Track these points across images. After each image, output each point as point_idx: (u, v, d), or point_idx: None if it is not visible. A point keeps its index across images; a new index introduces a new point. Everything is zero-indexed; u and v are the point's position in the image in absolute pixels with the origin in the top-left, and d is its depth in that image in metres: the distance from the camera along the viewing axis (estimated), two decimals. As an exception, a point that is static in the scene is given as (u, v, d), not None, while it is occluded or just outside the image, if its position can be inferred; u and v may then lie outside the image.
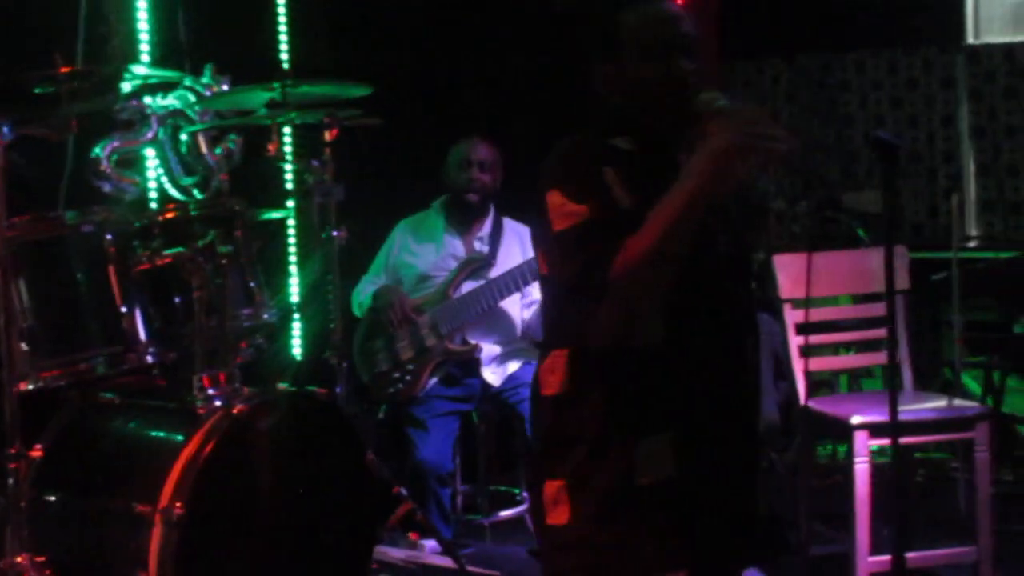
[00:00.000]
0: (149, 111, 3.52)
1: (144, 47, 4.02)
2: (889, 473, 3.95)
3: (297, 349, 4.56)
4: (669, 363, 2.07)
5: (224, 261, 3.02)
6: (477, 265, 4.27)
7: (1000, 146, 6.30)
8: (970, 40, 6.37)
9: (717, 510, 2.11)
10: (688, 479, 2.07)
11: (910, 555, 3.59)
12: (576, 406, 2.11)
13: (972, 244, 6.11)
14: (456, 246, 4.34)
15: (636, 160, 2.10)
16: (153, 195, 3.76)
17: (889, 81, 6.52)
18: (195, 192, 3.54)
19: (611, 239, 1.98)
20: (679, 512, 2.07)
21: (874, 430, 3.78)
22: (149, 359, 2.98)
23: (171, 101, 3.54)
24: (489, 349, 4.26)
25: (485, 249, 4.33)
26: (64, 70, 3.01)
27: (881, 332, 4.27)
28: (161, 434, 2.95)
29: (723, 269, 2.15)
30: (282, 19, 4.50)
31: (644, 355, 2.06)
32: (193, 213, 3.14)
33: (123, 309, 2.94)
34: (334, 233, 3.42)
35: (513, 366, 4.27)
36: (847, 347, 4.83)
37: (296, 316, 4.50)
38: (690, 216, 1.96)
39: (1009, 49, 6.23)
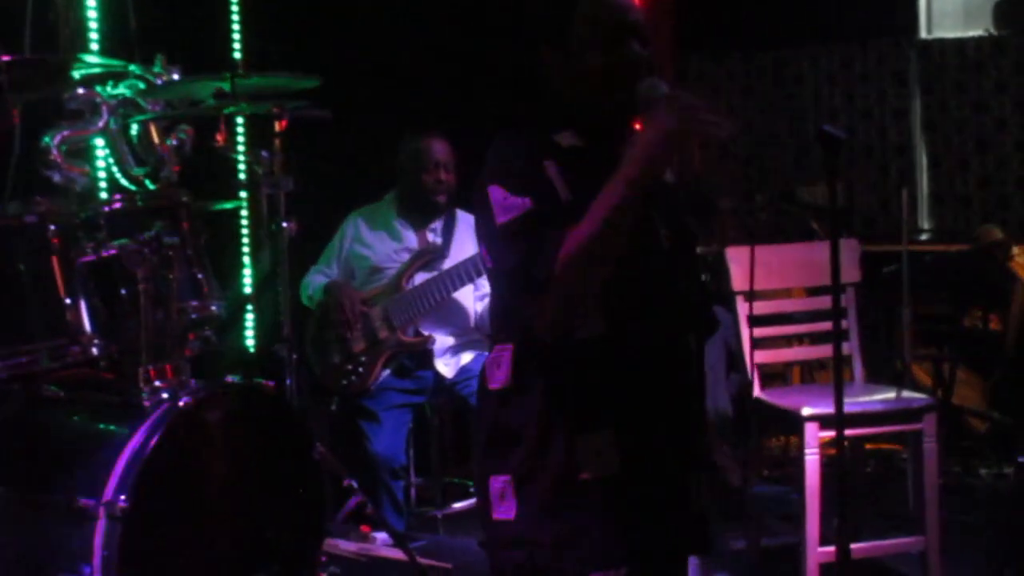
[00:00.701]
0: (99, 100, 3.48)
1: (93, 36, 3.98)
2: (841, 464, 4.00)
3: (250, 341, 4.54)
4: (610, 357, 2.07)
5: (170, 253, 3.00)
6: (430, 257, 4.26)
7: (951, 140, 6.36)
8: (923, 35, 6.43)
9: (660, 506, 2.11)
10: (631, 475, 2.07)
11: (858, 546, 3.62)
12: (520, 401, 2.10)
13: (924, 237, 6.17)
14: (410, 238, 4.33)
15: (578, 154, 2.09)
16: (103, 185, 3.72)
17: (842, 75, 6.57)
18: (146, 183, 3.51)
19: (552, 230, 1.97)
20: (622, 508, 2.07)
21: (824, 422, 3.81)
22: (94, 351, 2.95)
23: (121, 90, 3.50)
24: (442, 340, 4.26)
25: (438, 240, 4.33)
26: (5, 59, 2.96)
27: (830, 324, 4.30)
28: (105, 427, 2.92)
29: (666, 262, 2.15)
30: (234, 9, 4.46)
31: (585, 349, 2.05)
32: (139, 204, 3.11)
33: (67, 301, 2.90)
34: (284, 225, 3.40)
35: (466, 357, 4.27)
36: (799, 339, 4.86)
37: (249, 308, 4.47)
38: (629, 204, 1.95)
39: (960, 44, 6.30)
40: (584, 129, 2.13)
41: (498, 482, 2.12)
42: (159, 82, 3.48)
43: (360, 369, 4.16)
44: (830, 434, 3.91)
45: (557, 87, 2.14)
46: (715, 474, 4.61)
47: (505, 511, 2.11)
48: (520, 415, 2.11)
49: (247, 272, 4.50)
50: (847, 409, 3.71)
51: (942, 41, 6.38)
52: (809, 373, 5.41)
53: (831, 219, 2.70)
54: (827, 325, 4.35)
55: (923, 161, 6.46)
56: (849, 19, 6.27)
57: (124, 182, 3.52)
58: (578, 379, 2.07)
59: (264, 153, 3.34)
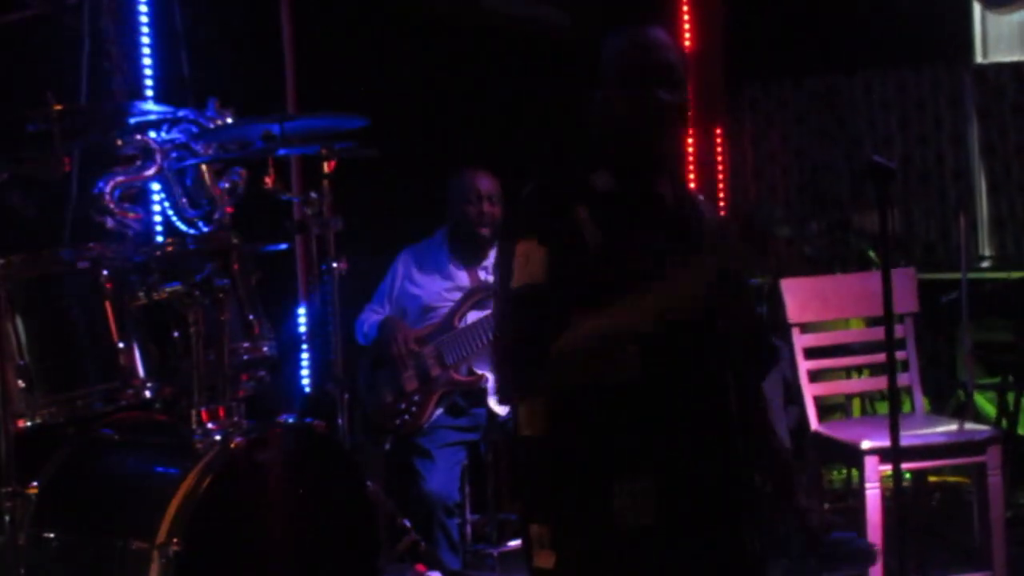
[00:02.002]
0: (153, 145, 3.52)
1: (148, 82, 4.04)
2: (902, 497, 3.92)
3: (306, 381, 4.56)
4: (647, 405, 2.04)
5: (221, 295, 3.02)
6: (482, 295, 4.25)
7: (1011, 164, 6.26)
8: (978, 59, 6.35)
9: (698, 556, 2.07)
10: (669, 525, 2.04)
11: (922, 581, 3.56)
12: (555, 449, 2.09)
13: (984, 264, 6.06)
14: (461, 276, 4.34)
15: (611, 198, 2.08)
16: (159, 229, 3.77)
17: (897, 101, 6.50)
18: (200, 225, 3.55)
19: (557, 313, 1.97)
20: (660, 559, 2.04)
21: (885, 455, 3.75)
22: (147, 394, 2.98)
23: (175, 135, 3.55)
24: (495, 378, 4.25)
25: (490, 279, 4.32)
26: (57, 108, 3.02)
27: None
28: (158, 469, 2.94)
29: (704, 304, 2.12)
30: (285, 51, 4.51)
31: (622, 397, 2.04)
32: (190, 247, 3.14)
33: (120, 345, 2.94)
34: (334, 264, 3.41)
35: (519, 395, 4.25)
36: (859, 370, 4.79)
37: (304, 347, 4.49)
38: (623, 343, 1.98)
39: (1017, 67, 6.21)
40: (619, 168, 2.12)
41: (537, 531, 2.10)
42: (212, 126, 3.52)
43: (413, 408, 4.16)
44: (890, 467, 3.85)
45: (595, 126, 2.14)
46: (802, 518, 4.52)
47: (544, 559, 2.09)
48: (556, 464, 2.09)
49: (301, 312, 4.52)
50: (908, 442, 3.68)
51: (998, 65, 6.29)
52: (870, 404, 5.33)
53: (883, 248, 2.65)
54: (882, 356, 4.28)
55: (982, 187, 6.35)
56: (902, 44, 6.21)
57: (179, 225, 3.56)
58: (615, 428, 2.05)
59: (313, 194, 3.36)
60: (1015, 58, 6.27)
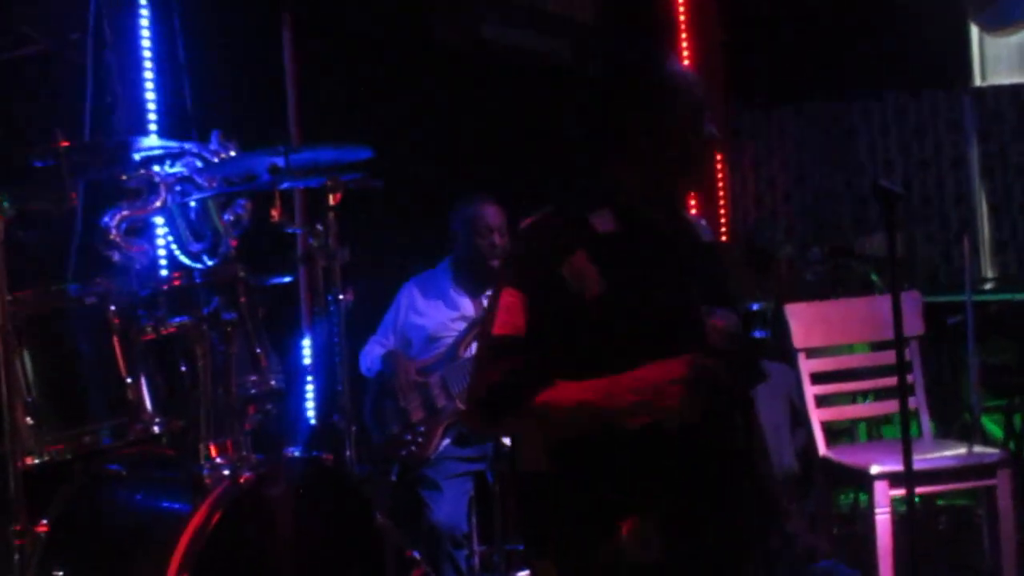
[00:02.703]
0: (157, 179, 3.52)
1: (151, 116, 4.05)
2: (913, 521, 3.90)
3: (310, 412, 4.54)
4: (654, 445, 2.02)
5: (229, 328, 3.01)
6: (487, 324, 4.25)
7: (1011, 186, 6.27)
8: (977, 82, 6.37)
9: None
10: (676, 563, 2.02)
11: (934, 607, 3.54)
12: (560, 486, 2.06)
13: (987, 286, 6.06)
14: (466, 305, 4.33)
15: (613, 240, 2.06)
16: (164, 263, 3.76)
17: (896, 125, 6.51)
18: (205, 258, 3.54)
19: (535, 370, 1.96)
20: None
21: (894, 479, 3.74)
22: (155, 429, 2.97)
23: (179, 168, 3.55)
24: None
25: (495, 307, 4.32)
26: (64, 144, 3.02)
27: (896, 380, 4.23)
28: (167, 505, 2.93)
29: (702, 343, 2.09)
30: (289, 84, 4.52)
31: (628, 434, 2.01)
32: (197, 281, 3.14)
33: (128, 380, 2.93)
34: (340, 296, 3.40)
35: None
36: (864, 395, 4.78)
37: (309, 379, 4.47)
38: (608, 420, 1.98)
39: (1016, 89, 6.23)
40: (624, 209, 2.09)
41: (542, 568, 2.09)
42: (215, 159, 3.52)
43: (419, 439, 4.14)
44: (900, 492, 3.83)
45: (609, 163, 2.11)
46: (789, 543, 4.52)
47: None
48: (560, 501, 2.06)
49: (305, 344, 4.51)
50: (918, 466, 3.65)
51: (997, 88, 6.31)
52: (876, 429, 5.32)
53: (891, 272, 2.65)
54: (892, 380, 4.28)
55: (983, 209, 6.36)
56: (901, 69, 6.23)
57: (184, 259, 3.56)
58: (620, 465, 2.02)
59: (319, 225, 3.36)
60: (1014, 80, 6.29)
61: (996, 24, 6.18)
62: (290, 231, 3.51)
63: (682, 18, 6.33)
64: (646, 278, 2.04)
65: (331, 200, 3.36)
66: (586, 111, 2.14)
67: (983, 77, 6.41)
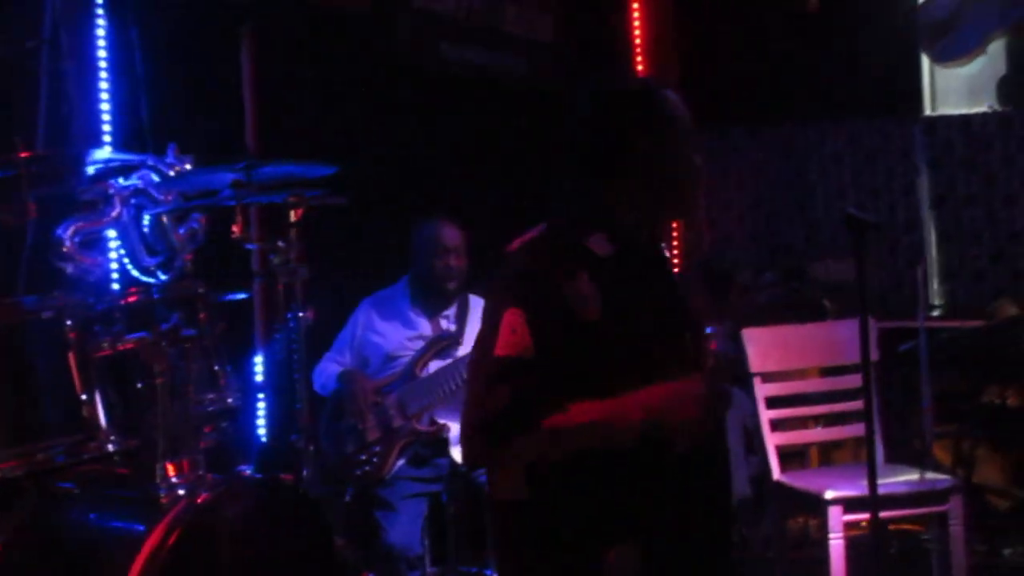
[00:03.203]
0: (112, 191, 3.47)
1: (106, 127, 3.98)
2: (863, 546, 3.93)
3: (262, 431, 4.48)
4: (637, 470, 2.01)
5: (188, 345, 2.96)
6: (444, 344, 4.23)
7: (960, 215, 6.36)
8: (928, 112, 6.47)
9: None
10: None
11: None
12: (539, 514, 2.03)
13: (935, 313, 6.14)
14: (423, 325, 4.30)
15: (612, 262, 2.04)
16: (115, 276, 3.69)
17: (849, 152, 6.59)
18: (158, 273, 3.49)
19: (543, 391, 1.93)
20: None
21: (848, 504, 3.77)
22: (110, 447, 2.90)
23: (134, 181, 3.50)
24: (457, 428, 4.19)
25: (452, 327, 4.30)
26: (24, 155, 2.96)
27: (850, 405, 4.28)
28: (122, 525, 2.86)
29: (691, 366, 2.09)
30: (247, 99, 4.48)
31: (613, 461, 2.00)
32: (155, 296, 3.08)
33: (84, 396, 2.86)
34: (300, 314, 3.36)
35: (482, 445, 4.20)
36: (816, 420, 4.81)
37: (260, 397, 4.42)
38: (619, 442, 1.97)
39: (966, 120, 6.33)
40: (618, 233, 2.08)
41: None
42: (171, 172, 3.48)
43: (375, 459, 4.10)
44: (853, 517, 3.86)
45: (600, 189, 2.10)
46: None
47: None
48: (539, 529, 2.03)
49: (258, 361, 4.45)
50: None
51: (947, 118, 6.41)
52: (826, 454, 5.35)
53: (860, 298, 2.67)
54: (844, 406, 4.32)
55: (932, 238, 6.45)
56: (855, 97, 6.30)
57: (135, 273, 3.50)
58: (602, 492, 2.00)
59: (280, 242, 3.32)
60: (963, 111, 6.39)
61: (946, 56, 6.28)
62: (250, 247, 3.47)
63: (638, 40, 6.38)
64: (640, 303, 2.03)
65: (293, 216, 3.33)
66: (577, 135, 2.12)
67: (933, 107, 6.51)
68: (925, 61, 6.45)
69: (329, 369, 4.28)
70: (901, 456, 5.12)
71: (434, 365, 4.19)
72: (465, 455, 2.01)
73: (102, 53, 3.99)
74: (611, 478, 2.00)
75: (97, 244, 3.52)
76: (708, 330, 2.05)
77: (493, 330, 1.99)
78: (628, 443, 1.95)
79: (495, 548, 2.12)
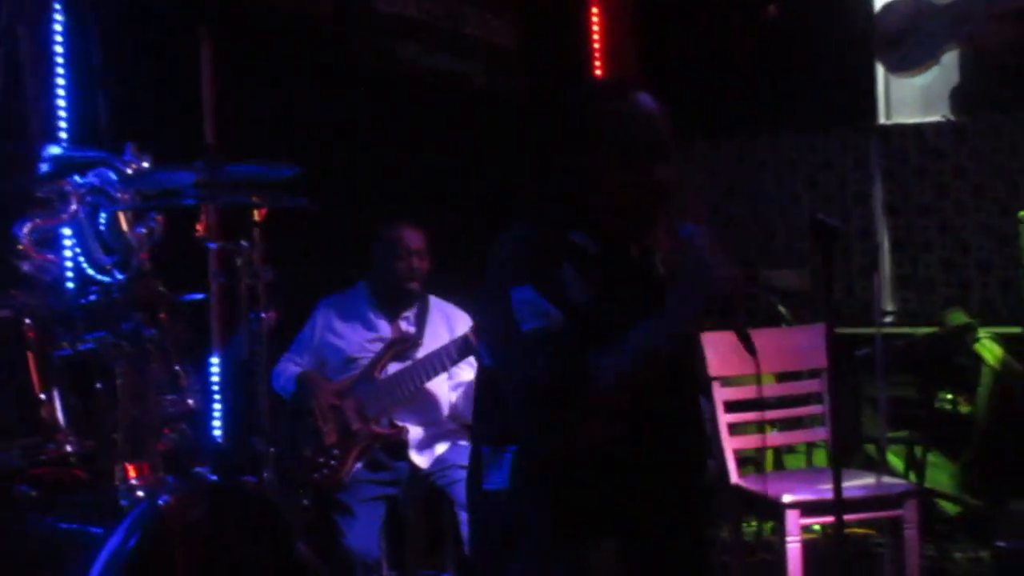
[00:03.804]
0: (69, 189, 3.43)
1: (63, 124, 3.93)
2: (816, 550, 3.97)
3: (217, 432, 4.43)
4: (619, 467, 2.02)
5: (149, 345, 2.93)
6: (404, 346, 4.21)
7: (913, 224, 6.44)
8: (882, 121, 6.55)
9: None
10: None
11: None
12: (520, 505, 2.05)
13: (888, 319, 6.21)
14: (383, 327, 4.28)
15: (595, 258, 2.05)
16: (71, 275, 3.65)
17: (804, 161, 6.65)
18: (114, 272, 3.45)
19: (583, 347, 1.94)
20: None
21: (805, 509, 3.80)
22: (69, 448, 2.86)
23: (90, 179, 3.46)
24: (417, 431, 4.19)
25: (412, 329, 4.28)
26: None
27: (806, 410, 4.33)
28: (81, 528, 2.81)
29: (670, 371, 2.11)
30: (206, 99, 4.43)
31: (594, 458, 2.01)
32: (116, 296, 3.04)
33: (43, 397, 2.82)
34: (262, 315, 3.34)
35: (441, 448, 4.20)
36: (772, 424, 4.85)
37: (217, 398, 4.38)
38: (667, 349, 1.96)
39: (919, 130, 6.41)
40: (600, 232, 2.08)
41: None
42: (129, 171, 3.44)
43: (333, 462, 4.07)
44: (809, 521, 3.90)
45: (576, 193, 2.09)
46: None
47: None
48: (520, 521, 2.05)
49: (215, 362, 4.41)
50: (826, 496, 3.71)
51: (902, 127, 6.49)
52: (779, 459, 5.40)
53: (825, 308, 2.70)
54: (800, 410, 4.37)
55: (886, 245, 6.53)
56: (811, 106, 6.36)
57: (91, 271, 3.46)
58: (585, 487, 2.02)
59: (244, 243, 3.29)
60: (917, 120, 6.47)
61: (901, 66, 6.36)
62: (212, 246, 3.43)
63: (597, 46, 6.40)
64: (621, 300, 2.03)
65: (256, 217, 3.30)
66: (542, 138, 2.13)
67: (888, 116, 6.59)
68: (880, 71, 6.52)
69: (288, 370, 4.25)
70: (853, 461, 5.20)
71: (393, 367, 4.18)
72: (536, 434, 2.00)
73: (58, 48, 3.95)
74: (593, 475, 2.01)
75: (53, 242, 3.48)
76: (688, 230, 2.00)
77: (508, 313, 1.98)
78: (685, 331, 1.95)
79: (478, 540, 2.11)
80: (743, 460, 5.04)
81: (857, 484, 3.97)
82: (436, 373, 4.12)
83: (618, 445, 2.01)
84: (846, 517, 3.91)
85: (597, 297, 1.98)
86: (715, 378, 4.12)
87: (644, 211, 2.04)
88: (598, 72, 6.34)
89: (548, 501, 2.02)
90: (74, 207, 3.43)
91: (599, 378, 1.93)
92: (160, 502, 2.76)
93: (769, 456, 5.25)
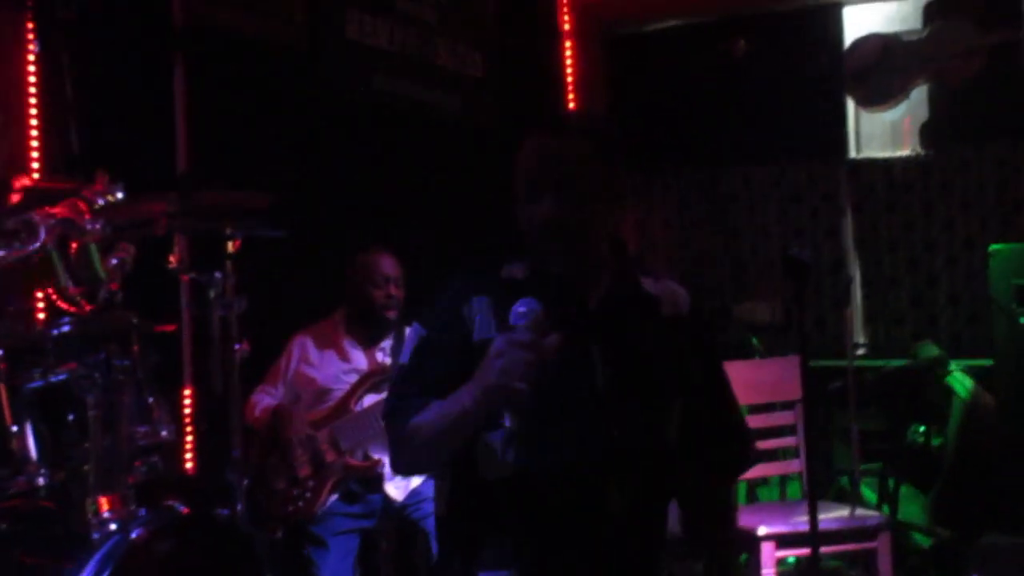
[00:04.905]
0: (37, 220, 3.38)
1: (34, 154, 3.90)
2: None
3: (189, 464, 4.39)
4: (517, 498, 2.05)
5: (121, 376, 2.89)
6: (379, 378, 4.18)
7: (882, 257, 6.48)
8: (852, 155, 6.61)
9: None
10: None
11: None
12: (448, 532, 2.19)
13: (859, 352, 6.24)
14: (358, 358, 4.26)
15: (516, 287, 2.09)
16: (41, 305, 3.60)
17: (774, 194, 6.69)
18: (83, 303, 3.40)
19: (418, 397, 2.08)
20: None
21: (781, 541, 3.80)
22: (40, 481, 2.81)
23: (60, 210, 3.42)
24: (391, 464, 4.15)
25: (387, 360, 4.26)
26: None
27: (779, 442, 4.33)
28: (51, 562, 2.77)
29: (596, 405, 2.09)
30: (179, 129, 4.41)
31: (496, 489, 2.06)
32: (88, 326, 3.01)
33: (13, 429, 2.78)
34: (236, 346, 3.30)
35: (416, 481, 4.16)
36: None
37: (188, 431, 4.33)
38: (472, 417, 2.01)
39: (888, 164, 6.47)
40: (532, 264, 2.16)
41: None
42: (100, 201, 3.40)
43: (307, 494, 4.03)
44: (784, 553, 3.90)
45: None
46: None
47: None
48: (448, 546, 2.18)
49: (186, 394, 4.37)
50: (801, 528, 3.72)
51: (871, 161, 6.55)
52: (751, 491, 5.40)
53: (800, 336, 2.71)
54: (774, 443, 4.36)
55: (856, 279, 6.56)
56: (780, 139, 6.42)
57: (61, 302, 3.41)
58: (487, 518, 2.07)
59: (217, 274, 3.26)
60: (886, 154, 6.54)
61: (871, 101, 6.42)
62: (186, 278, 3.40)
63: (570, 78, 6.43)
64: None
65: (230, 247, 3.28)
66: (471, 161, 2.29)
67: (858, 150, 6.65)
68: (851, 105, 6.59)
69: (263, 402, 4.21)
70: (827, 493, 5.20)
71: (369, 399, 4.15)
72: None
73: (31, 78, 3.92)
74: (496, 505, 2.07)
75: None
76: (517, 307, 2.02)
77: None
78: (473, 417, 2.01)
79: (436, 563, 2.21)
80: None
81: (832, 516, 3.98)
82: (410, 405, 4.09)
83: (523, 475, 2.06)
84: (823, 550, 3.97)
85: (503, 327, 2.00)
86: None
87: (547, 247, 2.10)
88: (570, 102, 6.37)
89: (465, 531, 2.12)
90: (42, 238, 3.38)
91: (418, 426, 2.07)
92: (132, 535, 2.72)
93: (742, 488, 5.25)
